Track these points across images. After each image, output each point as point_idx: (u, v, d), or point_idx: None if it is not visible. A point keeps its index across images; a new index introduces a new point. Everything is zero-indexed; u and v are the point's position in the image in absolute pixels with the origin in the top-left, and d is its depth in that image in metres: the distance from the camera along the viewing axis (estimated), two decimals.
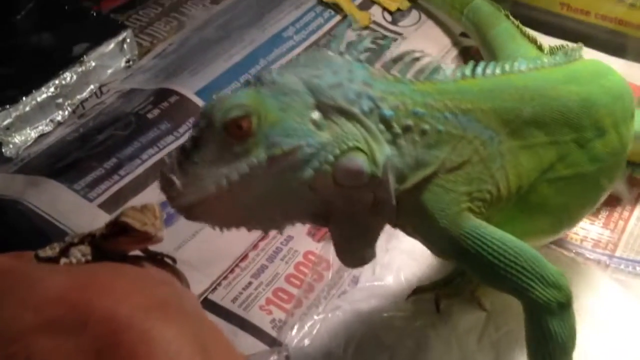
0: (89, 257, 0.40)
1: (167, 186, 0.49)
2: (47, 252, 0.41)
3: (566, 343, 0.57)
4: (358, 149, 0.51)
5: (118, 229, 0.39)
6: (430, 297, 0.73)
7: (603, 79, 0.70)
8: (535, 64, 0.65)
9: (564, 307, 0.57)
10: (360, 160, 0.51)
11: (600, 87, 0.68)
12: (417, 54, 0.57)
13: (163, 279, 0.40)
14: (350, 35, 1.09)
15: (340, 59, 0.54)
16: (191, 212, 0.50)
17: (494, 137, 0.58)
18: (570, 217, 0.68)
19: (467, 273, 0.74)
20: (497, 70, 0.62)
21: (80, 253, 0.39)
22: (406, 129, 0.54)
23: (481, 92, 0.59)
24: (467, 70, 0.60)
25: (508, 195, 0.59)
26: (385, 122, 0.53)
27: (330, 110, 0.51)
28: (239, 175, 0.49)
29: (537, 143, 0.61)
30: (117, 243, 0.40)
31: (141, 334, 0.33)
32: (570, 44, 0.74)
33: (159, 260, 0.43)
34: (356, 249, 0.57)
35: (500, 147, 0.59)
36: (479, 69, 0.61)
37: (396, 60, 0.57)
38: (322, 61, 0.54)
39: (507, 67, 0.63)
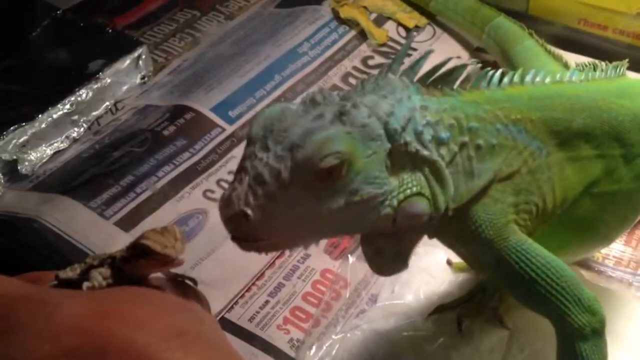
0: (110, 280, 0.39)
1: (237, 219, 0.47)
2: (68, 273, 0.40)
3: None
4: (421, 194, 0.51)
5: (139, 252, 0.39)
6: (451, 316, 0.72)
7: None
8: (587, 75, 0.64)
9: (597, 332, 0.56)
10: (422, 206, 0.51)
11: None
12: (464, 64, 0.57)
13: (183, 304, 0.39)
14: (366, 50, 1.09)
15: (400, 83, 0.54)
16: (257, 248, 0.49)
17: (542, 149, 0.58)
18: (607, 235, 0.67)
19: (488, 290, 0.73)
20: (548, 79, 0.61)
21: (101, 276, 0.39)
22: (462, 146, 0.54)
23: (531, 101, 0.58)
24: (517, 77, 0.59)
25: (553, 209, 0.59)
26: (444, 144, 0.53)
27: (401, 154, 0.51)
28: (319, 219, 0.49)
29: (585, 156, 0.60)
30: (137, 266, 0.39)
31: None
32: (601, 62, 0.72)
33: (179, 282, 0.42)
34: (387, 259, 0.55)
35: (548, 159, 0.58)
36: (529, 77, 0.60)
37: (443, 76, 0.56)
38: (385, 88, 0.53)
39: (558, 76, 0.62)
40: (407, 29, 1.13)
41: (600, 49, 1.03)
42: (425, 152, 0.52)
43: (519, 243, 0.55)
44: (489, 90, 0.57)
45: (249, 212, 0.46)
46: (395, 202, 0.50)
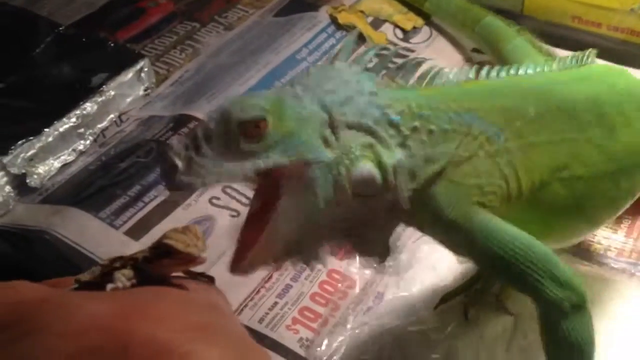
0: (134, 281, 0.40)
1: (168, 169, 0.49)
2: (87, 276, 0.41)
3: (582, 347, 0.56)
4: (364, 156, 0.53)
5: (161, 252, 0.40)
6: (457, 306, 0.73)
7: (613, 79, 0.70)
8: (543, 67, 0.66)
9: (578, 308, 0.55)
10: (368, 166, 0.53)
11: (609, 86, 0.68)
12: (418, 59, 0.59)
13: (207, 301, 0.40)
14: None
15: (348, 70, 0.56)
16: (243, 265, 0.51)
17: (499, 134, 0.59)
18: (588, 220, 0.67)
19: (490, 278, 0.74)
20: (502, 73, 0.63)
21: (125, 277, 0.40)
22: (413, 130, 0.55)
23: (484, 92, 0.61)
24: (471, 74, 0.61)
25: (519, 192, 0.59)
26: (394, 126, 0.55)
27: (340, 125, 0.53)
28: (242, 175, 0.50)
29: (546, 141, 0.61)
30: (160, 265, 0.40)
31: (182, 357, 0.33)
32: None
33: (199, 280, 0.43)
34: (375, 249, 0.57)
35: (507, 144, 0.59)
36: (483, 72, 0.62)
37: (400, 67, 0.58)
38: (332, 71, 0.55)
39: (512, 70, 0.64)
40: (405, 31, 1.14)
41: (595, 46, 1.03)
42: (364, 121, 0.53)
43: (484, 221, 0.56)
44: (444, 87, 0.59)
45: (177, 162, 0.48)
46: (343, 170, 0.52)
